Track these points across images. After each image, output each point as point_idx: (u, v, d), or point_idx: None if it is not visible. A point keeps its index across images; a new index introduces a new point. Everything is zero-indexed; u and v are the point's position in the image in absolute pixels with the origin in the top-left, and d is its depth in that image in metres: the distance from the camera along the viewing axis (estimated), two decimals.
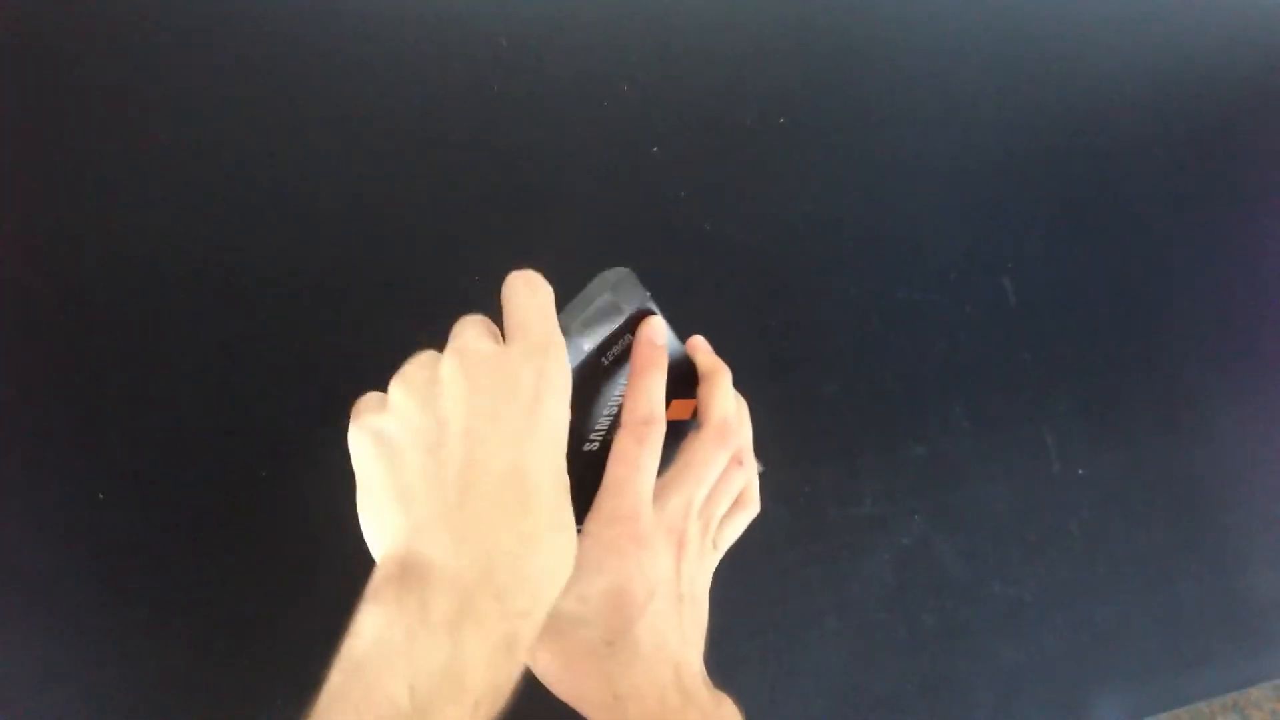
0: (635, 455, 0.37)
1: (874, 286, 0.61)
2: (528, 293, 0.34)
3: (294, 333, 0.53)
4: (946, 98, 0.68)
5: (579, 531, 0.36)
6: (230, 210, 0.55)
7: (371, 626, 0.27)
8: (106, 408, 0.50)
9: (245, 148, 0.56)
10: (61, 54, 0.56)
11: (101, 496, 0.49)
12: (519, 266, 0.57)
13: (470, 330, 0.33)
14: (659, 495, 0.38)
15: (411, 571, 0.28)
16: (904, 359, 0.60)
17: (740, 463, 0.41)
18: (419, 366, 0.32)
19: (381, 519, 0.31)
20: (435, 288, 0.55)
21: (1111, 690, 0.56)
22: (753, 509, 0.43)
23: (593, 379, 0.39)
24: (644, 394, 0.38)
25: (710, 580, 0.41)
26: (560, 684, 0.35)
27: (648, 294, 0.40)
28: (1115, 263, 0.66)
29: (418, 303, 0.54)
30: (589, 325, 0.38)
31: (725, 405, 0.40)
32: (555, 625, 0.34)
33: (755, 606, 0.55)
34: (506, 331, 0.33)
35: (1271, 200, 0.71)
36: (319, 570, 0.50)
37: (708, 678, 0.38)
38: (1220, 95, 0.73)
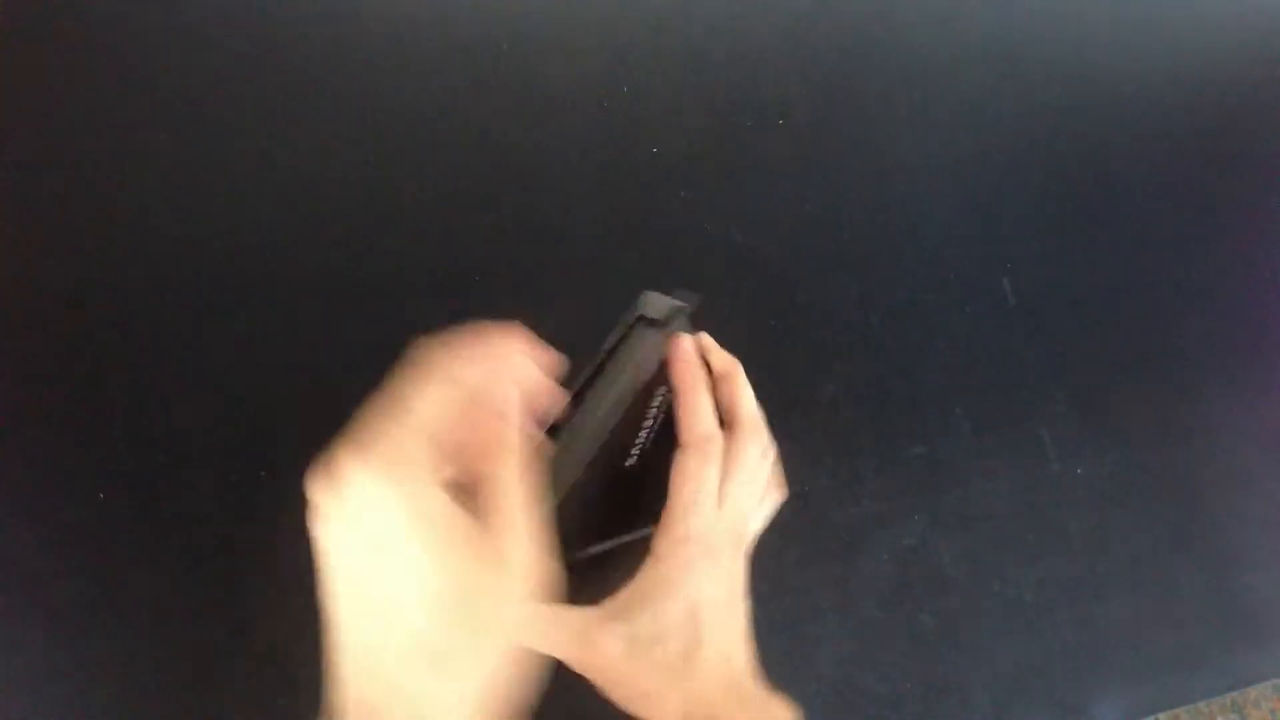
0: (700, 472, 0.37)
1: (874, 286, 0.61)
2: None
3: (294, 333, 0.53)
4: (946, 98, 0.68)
5: (647, 550, 0.37)
6: (230, 211, 0.55)
7: None
8: (107, 408, 0.50)
9: (245, 148, 0.56)
10: (61, 53, 0.56)
11: (101, 496, 0.49)
12: (519, 267, 0.58)
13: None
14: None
15: None
16: (904, 359, 0.60)
17: (767, 455, 0.41)
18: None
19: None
20: (436, 288, 0.55)
21: (1111, 690, 0.56)
22: (778, 495, 0.43)
23: (631, 400, 0.39)
24: (698, 412, 0.38)
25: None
26: (636, 702, 0.35)
27: (678, 311, 0.41)
28: (1115, 262, 0.66)
29: (418, 303, 0.54)
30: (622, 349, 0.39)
31: (752, 401, 0.41)
32: (633, 647, 0.35)
33: (755, 606, 0.54)
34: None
35: (1271, 200, 0.71)
36: (318, 570, 0.49)
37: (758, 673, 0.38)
38: (1220, 95, 0.73)
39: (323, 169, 0.57)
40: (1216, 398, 0.64)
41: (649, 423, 0.40)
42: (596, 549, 0.39)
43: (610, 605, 0.36)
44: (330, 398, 0.52)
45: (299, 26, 0.59)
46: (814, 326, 0.59)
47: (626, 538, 0.39)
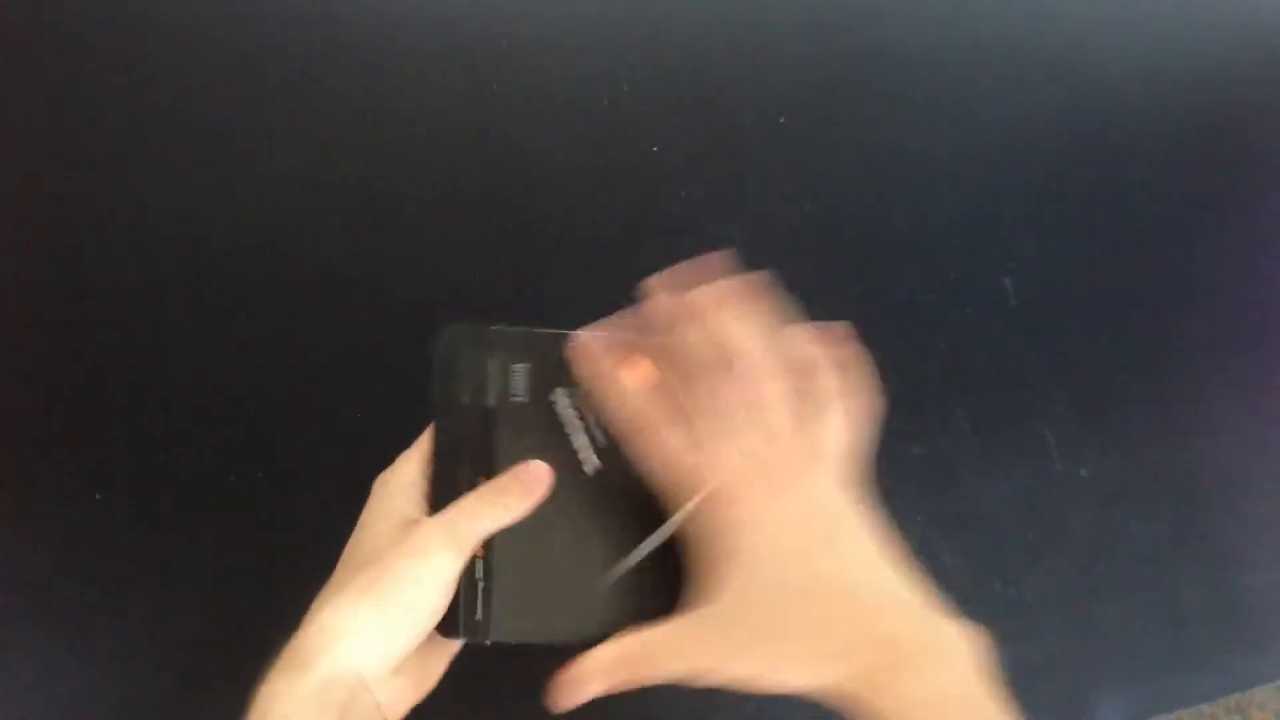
0: (646, 441, 0.36)
1: (874, 286, 0.61)
2: None
3: (294, 332, 0.53)
4: (947, 98, 0.68)
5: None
6: (229, 210, 0.55)
7: None
8: (106, 408, 0.50)
9: (244, 148, 0.56)
10: (61, 53, 0.56)
11: (99, 497, 0.49)
12: (519, 267, 0.57)
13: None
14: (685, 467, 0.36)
15: None
16: (904, 359, 0.60)
17: (750, 377, 0.37)
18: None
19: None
20: (435, 288, 0.55)
21: (1112, 691, 0.56)
22: (852, 401, 0.39)
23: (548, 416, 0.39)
24: (611, 400, 0.38)
25: (852, 492, 0.38)
26: (786, 679, 0.32)
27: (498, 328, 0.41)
28: (1115, 262, 0.66)
29: (418, 303, 0.54)
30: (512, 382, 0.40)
31: (685, 333, 0.39)
32: (732, 634, 0.33)
33: None
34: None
35: (1271, 200, 0.71)
36: (318, 571, 0.49)
37: (924, 594, 0.35)
38: (1221, 95, 0.73)
39: (323, 169, 0.57)
40: (1216, 398, 0.64)
41: (577, 424, 0.39)
42: (626, 564, 0.38)
43: (687, 608, 0.34)
44: (330, 398, 0.53)
45: (299, 26, 0.59)
46: None
47: (654, 540, 0.37)
